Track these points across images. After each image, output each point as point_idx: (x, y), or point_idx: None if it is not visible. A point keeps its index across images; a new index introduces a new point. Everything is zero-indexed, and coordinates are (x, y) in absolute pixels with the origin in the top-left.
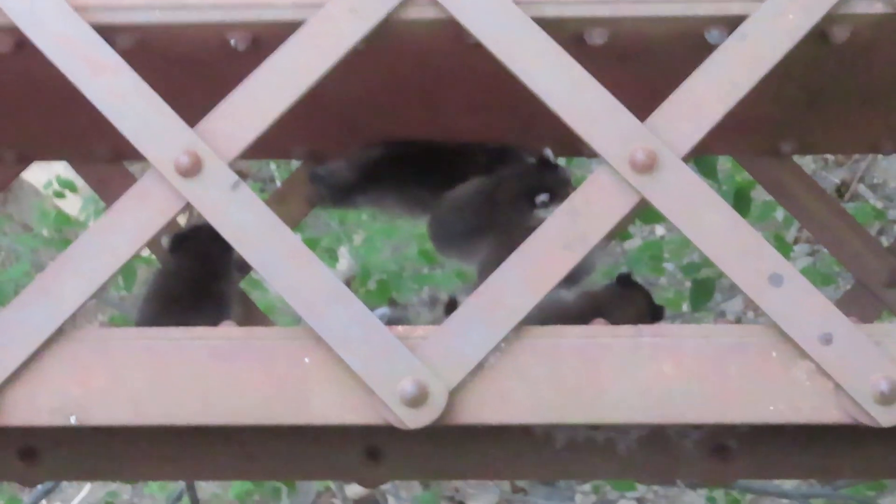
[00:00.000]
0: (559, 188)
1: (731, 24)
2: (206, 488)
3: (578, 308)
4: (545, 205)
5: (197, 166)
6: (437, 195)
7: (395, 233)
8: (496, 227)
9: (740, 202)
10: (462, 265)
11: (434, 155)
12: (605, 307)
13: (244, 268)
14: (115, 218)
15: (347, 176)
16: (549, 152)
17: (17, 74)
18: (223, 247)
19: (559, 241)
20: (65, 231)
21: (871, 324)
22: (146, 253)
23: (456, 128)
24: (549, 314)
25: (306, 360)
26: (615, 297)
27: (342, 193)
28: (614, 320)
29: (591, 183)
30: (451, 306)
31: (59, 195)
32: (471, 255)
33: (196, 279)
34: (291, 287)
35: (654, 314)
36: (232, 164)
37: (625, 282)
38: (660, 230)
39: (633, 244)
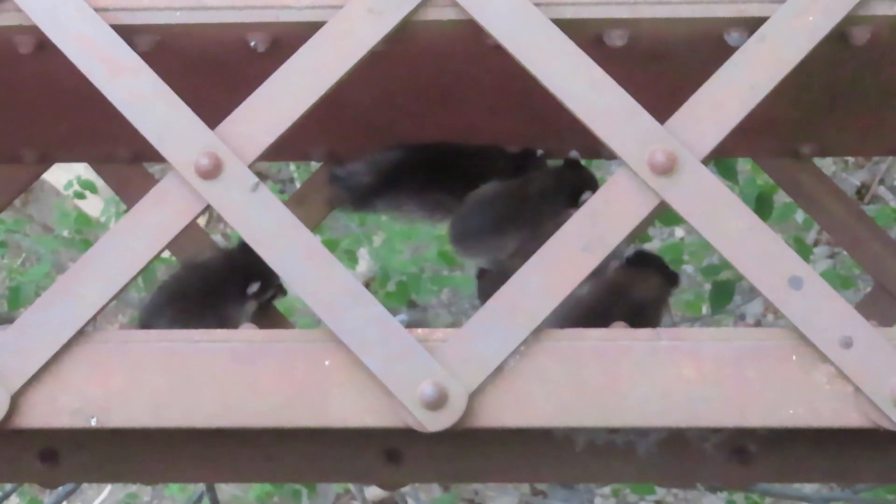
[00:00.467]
0: (596, 187)
1: (751, 25)
2: (226, 490)
3: (596, 298)
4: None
5: (217, 168)
6: (455, 198)
7: (414, 235)
8: (527, 223)
9: (762, 206)
10: (482, 262)
11: (453, 158)
12: (622, 289)
13: (262, 295)
14: (135, 219)
15: (366, 178)
16: (575, 153)
17: (38, 75)
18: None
19: (578, 244)
20: (85, 232)
21: (891, 327)
22: (166, 254)
23: (475, 129)
24: (567, 312)
25: (326, 362)
26: (629, 277)
27: (361, 196)
28: (635, 299)
29: (610, 185)
30: (482, 276)
31: (80, 196)
32: (495, 250)
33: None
34: (311, 289)
35: (670, 281)
36: (252, 166)
37: (635, 259)
38: (679, 232)
39: (652, 246)
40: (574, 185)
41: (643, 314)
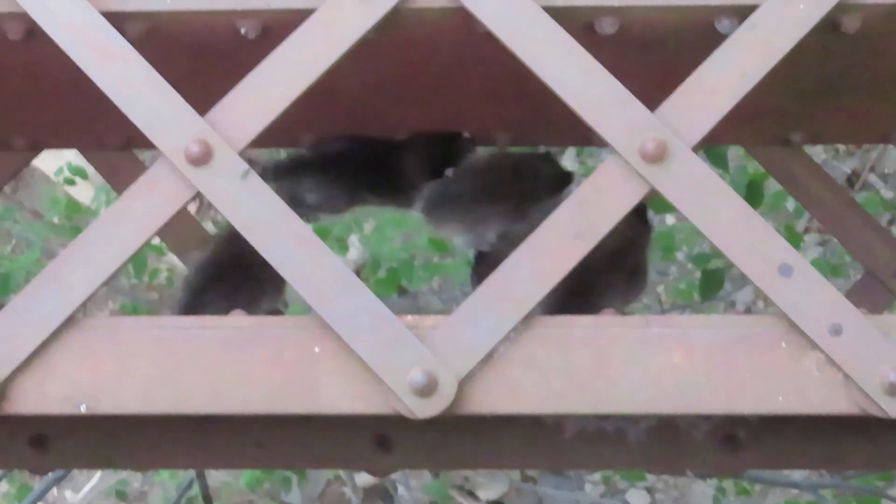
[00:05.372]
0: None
1: (742, 13)
2: (216, 476)
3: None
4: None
5: (207, 155)
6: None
7: (405, 222)
8: (506, 199)
9: (753, 194)
10: (457, 237)
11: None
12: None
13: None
14: (125, 206)
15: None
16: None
17: (28, 62)
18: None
19: (569, 231)
20: (75, 219)
21: (881, 314)
22: (156, 241)
23: (465, 118)
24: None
25: (316, 349)
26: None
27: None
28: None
29: (600, 172)
30: (480, 258)
31: (70, 182)
32: (474, 226)
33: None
34: (301, 276)
35: (643, 220)
36: (242, 153)
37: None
38: (670, 220)
39: None
40: (560, 174)
41: (625, 257)
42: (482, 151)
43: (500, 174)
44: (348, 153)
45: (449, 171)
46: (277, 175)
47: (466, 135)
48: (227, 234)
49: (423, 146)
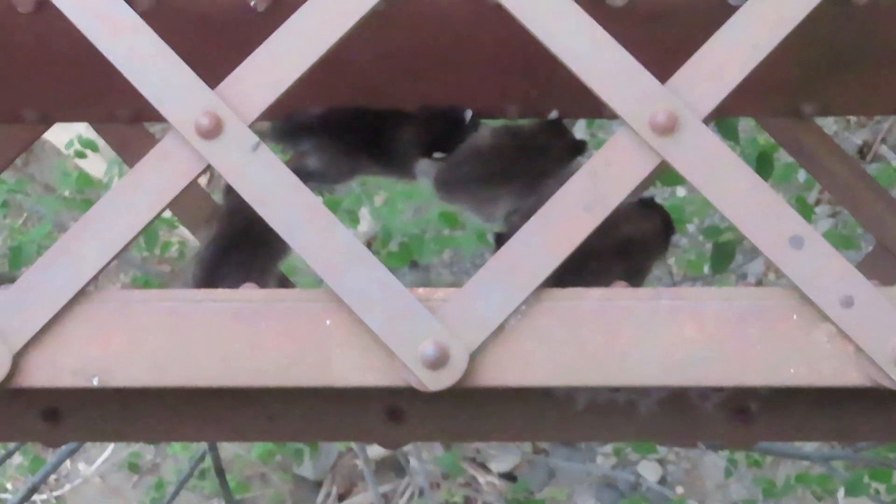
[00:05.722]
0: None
1: None
2: (228, 449)
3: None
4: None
5: (217, 128)
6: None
7: (416, 195)
8: (518, 176)
9: (763, 165)
10: (472, 214)
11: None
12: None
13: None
14: (136, 179)
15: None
16: (556, 113)
17: (38, 35)
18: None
19: (579, 203)
20: (87, 192)
21: (893, 286)
22: (167, 214)
23: (475, 90)
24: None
25: (327, 321)
26: (628, 211)
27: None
28: (624, 233)
29: (611, 145)
30: (500, 240)
31: (81, 155)
32: (486, 204)
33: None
34: (312, 249)
35: (667, 229)
36: (252, 126)
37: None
38: (681, 192)
39: None
40: (571, 143)
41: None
42: (489, 126)
43: (507, 153)
44: (350, 119)
45: (438, 154)
46: (277, 137)
47: (469, 112)
48: (232, 205)
49: (425, 120)
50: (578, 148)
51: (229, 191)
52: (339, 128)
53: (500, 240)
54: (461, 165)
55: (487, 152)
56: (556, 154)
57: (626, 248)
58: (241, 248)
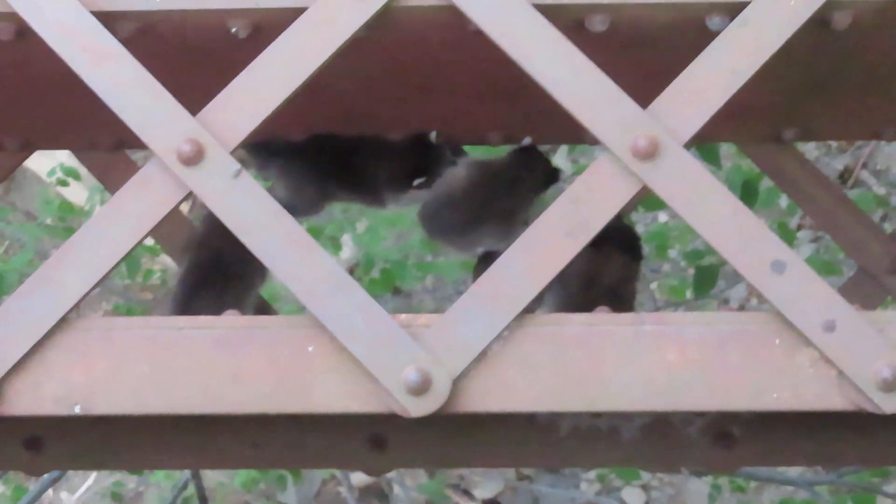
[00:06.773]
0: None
1: (733, 10)
2: (211, 477)
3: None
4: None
5: (199, 155)
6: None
7: (398, 221)
8: (496, 215)
9: (748, 193)
10: (456, 252)
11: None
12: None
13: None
14: (117, 207)
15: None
16: (528, 140)
17: (19, 62)
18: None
19: (561, 229)
20: (68, 220)
21: (874, 311)
22: (149, 242)
23: (456, 116)
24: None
25: (310, 348)
26: (594, 261)
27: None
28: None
29: (592, 170)
30: (485, 259)
31: (63, 183)
32: (469, 245)
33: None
34: (294, 275)
35: (634, 257)
36: (234, 153)
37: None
38: (663, 217)
39: None
40: (545, 173)
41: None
42: (465, 160)
43: (481, 193)
44: (318, 147)
45: (417, 182)
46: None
47: (438, 141)
48: (202, 235)
49: (395, 150)
50: (552, 176)
51: (204, 220)
52: (307, 153)
53: (483, 260)
54: (439, 211)
55: (461, 195)
56: (530, 185)
57: (612, 293)
58: (212, 282)
